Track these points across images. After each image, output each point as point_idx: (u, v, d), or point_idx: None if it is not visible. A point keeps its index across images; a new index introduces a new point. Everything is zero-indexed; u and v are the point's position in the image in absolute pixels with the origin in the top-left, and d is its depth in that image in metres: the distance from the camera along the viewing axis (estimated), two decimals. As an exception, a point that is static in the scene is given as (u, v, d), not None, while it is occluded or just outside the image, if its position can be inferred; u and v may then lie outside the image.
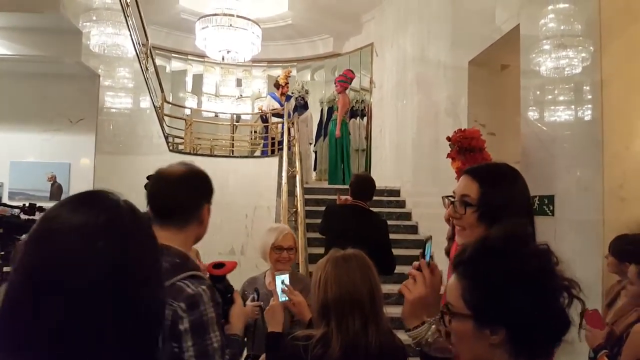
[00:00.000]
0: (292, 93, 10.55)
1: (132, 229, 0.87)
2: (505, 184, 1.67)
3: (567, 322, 1.13)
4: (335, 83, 10.48)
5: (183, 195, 1.75)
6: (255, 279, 3.11)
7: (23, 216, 2.60)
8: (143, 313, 0.84)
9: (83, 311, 0.78)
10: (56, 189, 6.14)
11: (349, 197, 4.62)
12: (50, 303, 0.77)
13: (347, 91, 10.36)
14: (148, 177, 2.03)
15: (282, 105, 10.21)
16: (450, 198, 1.70)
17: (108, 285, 0.80)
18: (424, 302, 1.56)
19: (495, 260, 1.14)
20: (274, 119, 10.46)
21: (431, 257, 1.57)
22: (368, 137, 10.76)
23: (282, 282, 2.44)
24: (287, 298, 2.40)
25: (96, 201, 0.87)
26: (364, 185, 4.60)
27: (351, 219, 4.42)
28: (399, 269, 6.07)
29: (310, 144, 10.70)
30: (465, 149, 4.41)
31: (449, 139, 4.61)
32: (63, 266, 0.79)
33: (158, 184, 1.74)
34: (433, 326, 1.55)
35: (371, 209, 4.65)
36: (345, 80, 10.17)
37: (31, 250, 0.81)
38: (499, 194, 1.62)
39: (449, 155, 4.66)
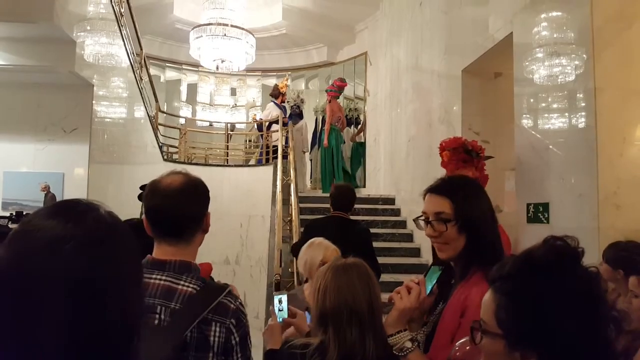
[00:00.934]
0: (288, 102, 10.57)
1: (105, 238, 0.85)
2: (472, 194, 1.74)
3: (612, 356, 1.03)
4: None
5: (190, 209, 1.72)
6: (295, 295, 3.09)
7: (12, 225, 2.58)
8: (107, 324, 0.82)
9: (38, 315, 0.76)
10: (50, 199, 6.11)
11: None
12: (10, 303, 0.77)
13: (338, 99, 10.36)
14: (141, 187, 2.08)
15: (285, 111, 10.26)
16: (422, 219, 1.75)
17: (68, 294, 0.78)
18: (410, 314, 1.66)
19: (539, 279, 1.04)
20: (274, 127, 10.46)
21: (436, 283, 1.71)
22: (358, 145, 10.75)
23: (280, 302, 2.43)
24: (285, 316, 2.39)
25: (71, 208, 0.86)
26: (344, 196, 4.65)
27: (334, 230, 4.39)
28: (393, 277, 6.11)
29: (305, 152, 10.71)
30: (461, 150, 4.40)
31: (442, 147, 4.60)
32: (26, 267, 0.78)
33: (162, 200, 1.68)
34: (415, 335, 1.66)
35: (366, 217, 4.68)
36: (333, 89, 10.17)
37: (3, 249, 0.81)
38: (470, 205, 1.69)
39: (443, 164, 4.65)
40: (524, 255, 1.10)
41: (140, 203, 1.97)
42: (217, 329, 1.58)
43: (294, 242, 5.61)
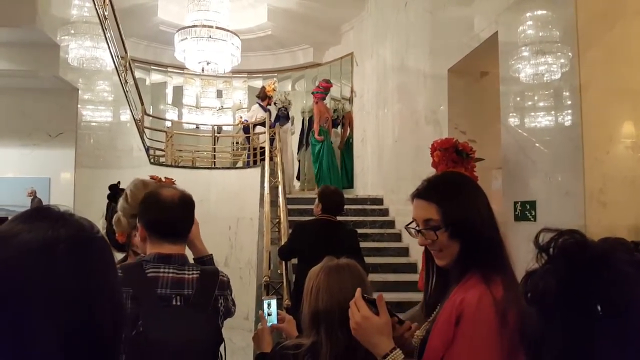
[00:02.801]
0: (276, 103, 10.54)
1: (90, 239, 0.87)
2: (460, 193, 1.64)
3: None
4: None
5: (189, 218, 2.13)
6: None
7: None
8: (98, 319, 0.83)
9: (33, 317, 0.77)
10: (36, 204, 6.03)
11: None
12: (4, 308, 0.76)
13: (324, 101, 10.34)
14: (111, 187, 2.55)
15: (269, 114, 10.24)
16: (412, 228, 1.67)
17: (61, 294, 0.79)
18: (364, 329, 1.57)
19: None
20: (259, 129, 10.44)
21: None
22: (342, 145, 10.77)
23: (269, 306, 2.42)
24: (275, 321, 2.38)
25: (50, 213, 0.86)
26: (333, 199, 4.77)
27: (321, 232, 4.62)
28: (382, 276, 6.13)
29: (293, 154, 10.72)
30: (452, 151, 4.44)
31: (433, 147, 4.63)
32: (16, 271, 0.78)
33: (167, 212, 2.03)
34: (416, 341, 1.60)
35: (354, 218, 4.77)
36: (319, 91, 10.16)
37: None
38: (458, 206, 1.59)
39: (433, 164, 4.67)
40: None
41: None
42: (222, 300, 2.06)
43: (282, 244, 5.62)
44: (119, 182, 2.62)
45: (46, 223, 0.83)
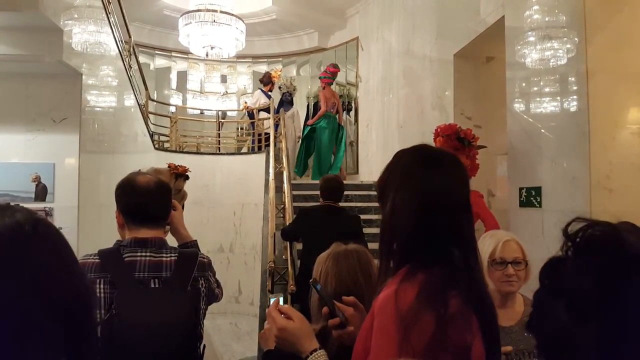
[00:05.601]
0: (280, 87, 10.48)
1: (31, 225, 0.89)
2: (394, 169, 1.47)
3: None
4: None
5: (165, 203, 2.16)
6: None
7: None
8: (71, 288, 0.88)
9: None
10: (41, 190, 6.06)
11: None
12: None
13: (331, 86, 10.21)
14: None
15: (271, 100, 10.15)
16: None
17: (39, 269, 0.84)
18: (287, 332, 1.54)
19: None
20: (262, 114, 10.40)
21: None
22: (354, 132, 10.69)
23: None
24: None
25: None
26: (333, 187, 5.01)
27: (325, 217, 4.82)
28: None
29: (299, 139, 10.65)
30: (454, 137, 4.40)
31: (436, 133, 4.60)
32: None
33: (144, 197, 2.05)
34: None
35: (359, 204, 4.94)
36: (326, 76, 9.98)
37: None
38: (385, 182, 1.45)
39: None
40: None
41: None
42: (203, 281, 2.07)
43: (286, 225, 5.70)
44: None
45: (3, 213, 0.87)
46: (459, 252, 1.31)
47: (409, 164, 1.44)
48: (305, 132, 9.64)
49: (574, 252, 0.81)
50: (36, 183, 6.12)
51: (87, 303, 0.91)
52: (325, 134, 9.33)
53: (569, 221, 0.83)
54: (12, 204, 0.94)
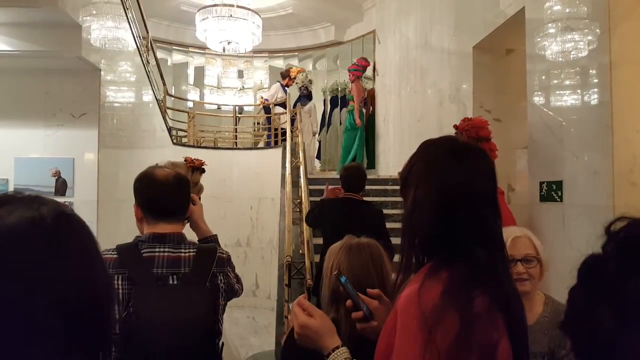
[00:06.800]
0: (297, 83, 10.47)
1: (68, 214, 0.89)
2: (418, 159, 1.41)
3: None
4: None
5: (184, 197, 2.15)
6: None
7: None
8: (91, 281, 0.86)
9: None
10: (61, 184, 6.13)
11: (339, 188, 4.66)
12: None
13: (361, 80, 10.11)
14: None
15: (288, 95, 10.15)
16: None
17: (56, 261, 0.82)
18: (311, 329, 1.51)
19: None
20: (279, 109, 10.40)
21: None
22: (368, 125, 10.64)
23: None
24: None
25: (9, 198, 0.88)
26: (355, 177, 4.68)
27: (346, 210, 4.50)
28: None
29: (315, 134, 10.64)
30: (473, 138, 4.35)
31: (456, 127, 4.56)
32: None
33: (162, 192, 2.05)
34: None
35: (376, 198, 4.72)
36: (356, 69, 9.89)
37: None
38: (408, 168, 1.40)
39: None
40: None
41: None
42: (222, 277, 2.04)
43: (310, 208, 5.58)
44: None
45: (22, 205, 0.84)
46: (484, 247, 1.26)
47: (434, 156, 1.38)
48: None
49: (617, 251, 0.76)
50: (56, 178, 6.19)
51: (102, 306, 0.88)
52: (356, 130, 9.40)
53: (612, 219, 0.78)
54: (40, 196, 0.91)
